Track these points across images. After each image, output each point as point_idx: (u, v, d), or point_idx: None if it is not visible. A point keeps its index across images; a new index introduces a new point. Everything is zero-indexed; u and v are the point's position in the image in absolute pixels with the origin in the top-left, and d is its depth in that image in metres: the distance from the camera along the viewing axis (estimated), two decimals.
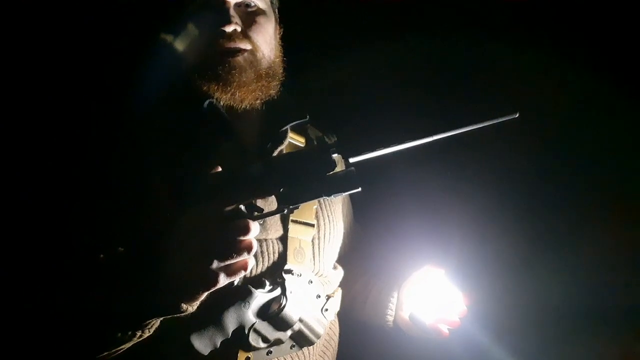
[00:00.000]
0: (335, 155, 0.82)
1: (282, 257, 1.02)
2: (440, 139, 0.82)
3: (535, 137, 1.52)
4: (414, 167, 1.46)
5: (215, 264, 0.76)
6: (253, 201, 0.82)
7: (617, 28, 1.60)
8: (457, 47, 1.61)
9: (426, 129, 0.82)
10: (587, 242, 1.59)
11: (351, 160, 0.83)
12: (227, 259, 0.76)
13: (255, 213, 0.82)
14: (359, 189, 0.82)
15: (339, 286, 1.19)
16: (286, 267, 1.00)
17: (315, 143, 1.16)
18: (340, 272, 1.19)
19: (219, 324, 0.91)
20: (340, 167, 0.84)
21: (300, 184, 0.81)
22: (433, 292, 1.17)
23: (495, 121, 0.84)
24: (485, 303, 1.24)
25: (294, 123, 1.11)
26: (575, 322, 1.56)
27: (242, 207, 0.80)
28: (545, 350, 1.56)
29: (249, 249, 0.76)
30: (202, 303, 0.83)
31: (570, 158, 1.63)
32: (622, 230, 1.59)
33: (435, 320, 1.15)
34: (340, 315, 1.22)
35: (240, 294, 0.94)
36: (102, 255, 0.89)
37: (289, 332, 1.00)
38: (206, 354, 0.91)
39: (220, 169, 0.81)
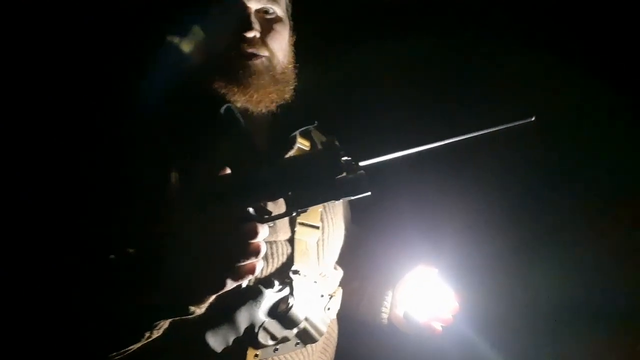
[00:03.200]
0: (344, 159, 0.82)
1: (290, 258, 1.05)
2: (453, 142, 0.82)
3: (529, 136, 1.54)
4: (408, 167, 1.50)
5: (224, 268, 0.76)
6: (262, 204, 0.82)
7: (616, 29, 1.63)
8: (460, 47, 1.63)
9: (439, 131, 0.81)
10: (579, 241, 1.62)
11: (362, 163, 0.83)
12: (235, 262, 0.76)
13: (265, 216, 0.82)
14: (369, 193, 0.81)
15: (339, 285, 1.23)
16: (294, 267, 1.04)
17: (322, 146, 1.18)
18: (340, 272, 1.23)
19: (232, 323, 0.94)
20: (349, 172, 0.83)
21: (309, 187, 0.81)
22: (426, 291, 1.21)
23: (510, 125, 0.84)
24: (478, 301, 1.28)
25: (303, 129, 1.14)
26: (567, 321, 1.59)
27: (251, 210, 0.80)
28: (536, 346, 1.60)
29: (257, 252, 0.76)
30: (214, 302, 0.84)
31: (563, 157, 1.65)
32: (615, 230, 1.62)
33: (429, 319, 1.19)
34: (339, 313, 1.26)
35: (251, 294, 0.97)
36: (112, 256, 0.89)
37: (295, 330, 1.04)
38: (220, 351, 0.94)
39: (229, 170, 0.81)
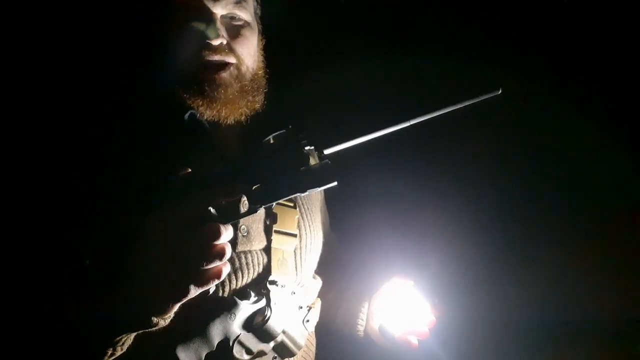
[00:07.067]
0: (307, 148, 0.78)
1: (267, 269, 1.01)
2: (421, 122, 0.79)
3: (507, 150, 1.56)
4: (387, 178, 1.49)
5: (185, 272, 0.71)
6: (224, 203, 0.76)
7: (613, 30, 1.66)
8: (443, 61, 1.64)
9: (405, 113, 0.78)
10: (557, 258, 1.64)
11: (326, 151, 0.79)
12: (198, 266, 0.71)
13: (227, 216, 0.76)
14: (335, 183, 0.78)
15: (318, 296, 1.19)
16: (271, 278, 1.00)
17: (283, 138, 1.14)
18: (319, 282, 1.20)
19: (204, 336, 0.89)
20: (313, 162, 0.81)
21: (271, 181, 0.77)
22: (401, 304, 1.18)
23: (477, 99, 0.81)
24: (455, 313, 1.26)
25: (276, 133, 1.11)
26: (542, 335, 1.61)
27: (212, 209, 0.74)
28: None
29: (221, 255, 0.71)
30: (186, 314, 0.79)
31: (543, 173, 1.68)
32: (590, 246, 1.65)
33: (404, 332, 1.16)
34: (317, 326, 1.22)
35: (225, 306, 0.93)
36: (66, 268, 0.84)
37: (271, 344, 1.00)
38: None
39: (189, 170, 0.77)
